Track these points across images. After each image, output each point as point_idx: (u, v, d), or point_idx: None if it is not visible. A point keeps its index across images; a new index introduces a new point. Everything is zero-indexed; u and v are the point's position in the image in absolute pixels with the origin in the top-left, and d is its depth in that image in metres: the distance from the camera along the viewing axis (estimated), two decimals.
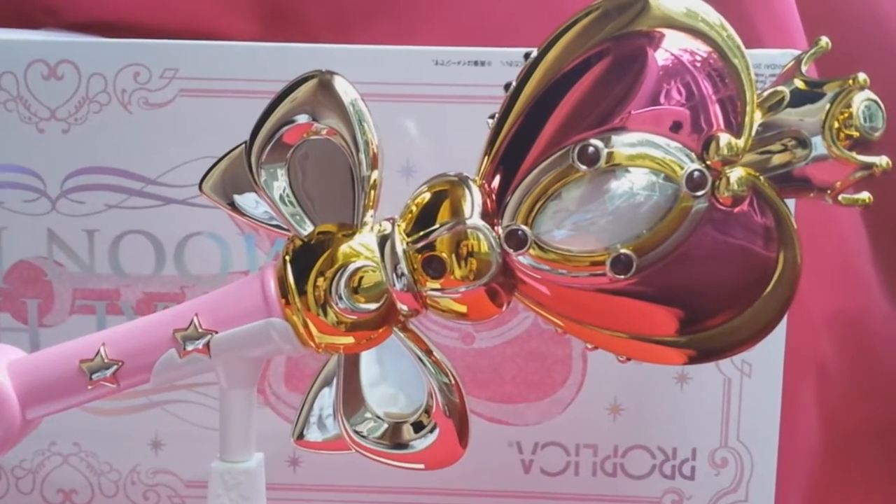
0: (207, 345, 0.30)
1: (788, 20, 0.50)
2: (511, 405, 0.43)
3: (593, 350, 0.31)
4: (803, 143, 0.28)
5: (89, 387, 0.31)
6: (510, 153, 0.29)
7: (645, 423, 0.43)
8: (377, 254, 0.30)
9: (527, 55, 0.29)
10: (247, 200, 0.31)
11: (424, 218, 0.29)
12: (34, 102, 0.42)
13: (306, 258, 0.30)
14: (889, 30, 0.52)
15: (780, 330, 0.41)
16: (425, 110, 0.41)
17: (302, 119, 0.30)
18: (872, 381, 0.52)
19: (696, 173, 0.28)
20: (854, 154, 0.27)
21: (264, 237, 0.42)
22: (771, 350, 0.42)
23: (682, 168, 0.28)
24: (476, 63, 0.41)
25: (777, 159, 0.28)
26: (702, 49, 0.28)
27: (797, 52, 0.31)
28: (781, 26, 0.49)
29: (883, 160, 0.27)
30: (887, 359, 0.52)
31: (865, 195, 0.28)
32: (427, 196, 0.30)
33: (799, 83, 0.28)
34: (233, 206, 0.32)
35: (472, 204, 0.29)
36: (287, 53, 0.41)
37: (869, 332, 0.52)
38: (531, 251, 0.29)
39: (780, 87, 0.28)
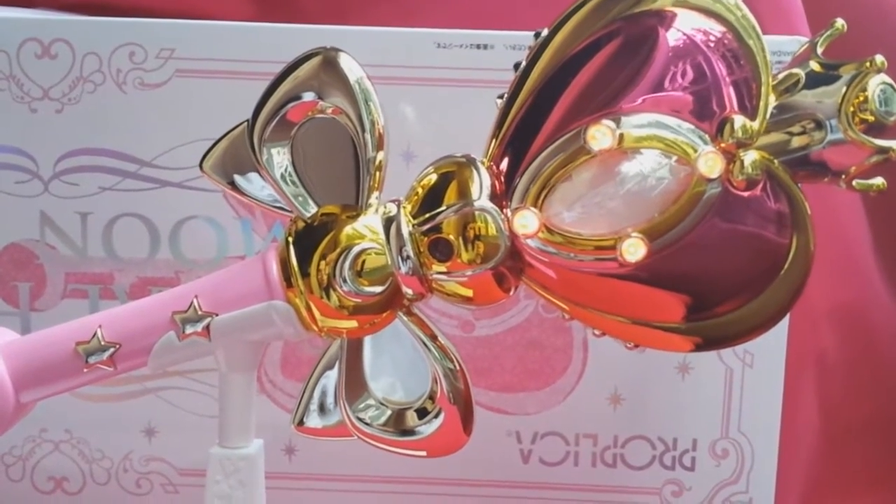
0: (207, 328, 0.30)
1: (792, 9, 0.49)
2: (510, 394, 0.43)
3: (601, 336, 0.30)
4: (820, 125, 0.27)
5: (85, 370, 0.30)
6: (519, 135, 0.29)
7: (645, 414, 0.43)
8: (382, 236, 0.29)
9: (537, 34, 0.29)
10: (248, 181, 0.31)
11: (431, 200, 0.29)
12: (27, 82, 0.41)
13: (309, 240, 0.29)
14: (893, 20, 0.52)
15: (783, 321, 0.41)
16: (427, 94, 0.41)
17: (308, 97, 0.29)
18: (873, 373, 0.52)
19: (709, 156, 0.27)
20: (870, 138, 0.27)
21: (261, 221, 0.42)
22: (773, 341, 0.42)
23: (695, 150, 0.27)
24: (479, 46, 0.41)
25: (795, 142, 0.27)
26: (716, 29, 0.28)
27: (804, 39, 0.31)
28: (785, 14, 0.49)
29: None
30: (888, 350, 0.52)
31: (879, 181, 0.28)
32: (433, 177, 0.29)
33: (814, 65, 0.28)
34: (233, 185, 0.31)
35: (480, 186, 0.28)
36: (285, 34, 0.41)
37: (870, 323, 0.52)
38: (539, 234, 0.28)
39: (795, 70, 0.28)
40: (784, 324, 0.42)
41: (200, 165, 0.31)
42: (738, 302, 0.29)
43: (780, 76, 0.28)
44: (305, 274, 0.29)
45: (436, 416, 0.30)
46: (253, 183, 0.31)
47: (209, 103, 0.41)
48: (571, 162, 0.28)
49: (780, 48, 0.39)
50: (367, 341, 0.31)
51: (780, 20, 0.48)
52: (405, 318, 0.30)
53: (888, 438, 0.52)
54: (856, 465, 0.51)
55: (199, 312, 0.30)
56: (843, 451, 0.51)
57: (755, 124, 0.27)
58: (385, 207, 0.30)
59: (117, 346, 0.30)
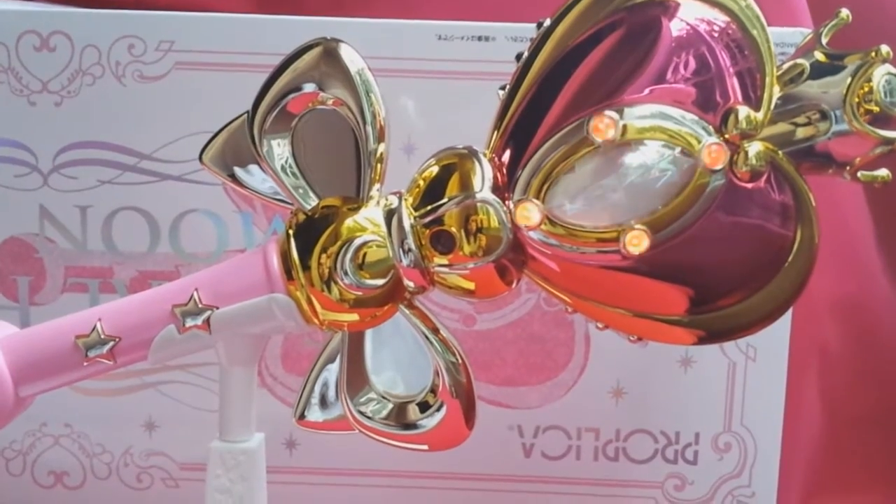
0: (207, 321, 0.29)
1: (795, 1, 0.49)
2: (512, 388, 0.43)
3: (604, 329, 0.30)
4: (825, 116, 0.27)
5: (85, 363, 0.30)
6: (521, 126, 0.29)
7: (648, 407, 0.43)
8: (383, 228, 0.29)
9: (539, 24, 0.28)
10: (248, 173, 0.31)
11: (432, 192, 0.29)
12: (26, 74, 0.41)
13: (310, 232, 0.29)
14: (890, 11, 0.51)
15: (786, 314, 0.41)
16: (427, 86, 0.41)
17: (308, 88, 0.29)
18: (875, 366, 0.51)
19: (714, 147, 0.27)
20: (875, 129, 0.27)
21: (262, 215, 0.42)
22: (776, 334, 0.42)
23: (698, 141, 0.27)
24: (480, 38, 0.40)
25: (801, 132, 0.27)
26: (720, 19, 0.28)
27: (808, 31, 0.30)
28: (789, 6, 0.48)
29: None
30: (890, 343, 0.51)
31: (884, 172, 0.28)
32: (435, 169, 0.29)
33: (819, 55, 0.28)
34: (233, 178, 0.31)
35: (483, 177, 0.28)
36: (285, 26, 0.40)
37: (872, 316, 0.51)
38: (542, 226, 0.28)
39: (799, 60, 0.28)
40: (787, 317, 0.41)
41: (200, 158, 0.31)
42: (742, 294, 0.28)
43: (785, 66, 0.28)
44: (306, 267, 0.29)
45: (438, 410, 0.30)
46: (253, 175, 0.30)
47: (209, 96, 0.41)
48: (574, 153, 0.28)
49: (783, 40, 0.39)
50: (369, 334, 0.31)
51: (783, 12, 0.48)
52: (407, 312, 0.30)
53: (891, 432, 0.51)
54: (859, 459, 0.51)
55: (200, 305, 0.29)
56: (846, 445, 0.51)
57: (759, 115, 0.27)
58: (386, 200, 0.29)
59: (117, 340, 0.30)
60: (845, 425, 0.51)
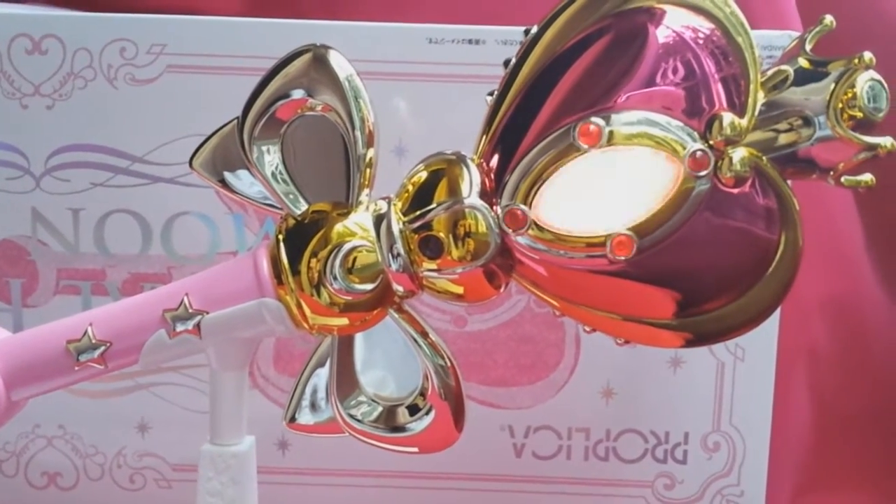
0: (198, 326, 0.30)
1: (784, 4, 0.49)
2: (503, 388, 0.43)
3: (591, 332, 0.30)
4: (808, 122, 0.27)
5: (76, 368, 0.30)
6: (509, 132, 0.29)
7: (638, 407, 0.43)
8: (373, 233, 0.29)
9: (527, 31, 0.29)
10: (238, 178, 0.31)
11: (421, 197, 0.29)
12: (17, 77, 0.41)
13: (300, 237, 0.29)
14: (886, 14, 0.52)
15: (774, 314, 0.41)
16: (418, 89, 0.41)
17: (297, 94, 0.29)
18: (864, 366, 0.52)
19: (698, 153, 0.27)
20: (858, 135, 0.27)
21: (253, 217, 0.42)
22: (764, 335, 0.42)
23: (683, 147, 0.27)
24: (470, 41, 0.40)
25: (783, 139, 0.27)
26: (704, 26, 0.28)
27: (795, 34, 0.31)
28: (777, 9, 0.49)
29: (888, 141, 0.27)
30: (878, 343, 0.52)
31: (868, 177, 0.28)
32: (424, 175, 0.29)
33: (803, 62, 0.28)
34: (223, 183, 0.31)
35: (471, 183, 0.28)
36: (277, 30, 0.41)
37: (861, 317, 0.52)
38: (529, 231, 0.28)
39: (783, 66, 0.28)
40: (775, 317, 0.42)
41: (190, 163, 0.31)
42: (728, 298, 0.29)
43: (769, 73, 0.28)
44: (296, 272, 0.29)
45: (427, 413, 0.30)
46: (243, 180, 0.31)
47: (201, 99, 0.41)
48: (562, 159, 0.28)
49: (771, 43, 0.39)
50: (359, 338, 0.31)
51: (771, 15, 0.48)
52: (396, 316, 0.30)
53: (879, 431, 0.52)
54: (847, 458, 0.51)
55: (190, 310, 0.30)
56: (835, 444, 0.51)
57: (744, 121, 0.27)
58: (375, 205, 0.30)
59: (108, 345, 0.30)
60: (834, 424, 0.52)
